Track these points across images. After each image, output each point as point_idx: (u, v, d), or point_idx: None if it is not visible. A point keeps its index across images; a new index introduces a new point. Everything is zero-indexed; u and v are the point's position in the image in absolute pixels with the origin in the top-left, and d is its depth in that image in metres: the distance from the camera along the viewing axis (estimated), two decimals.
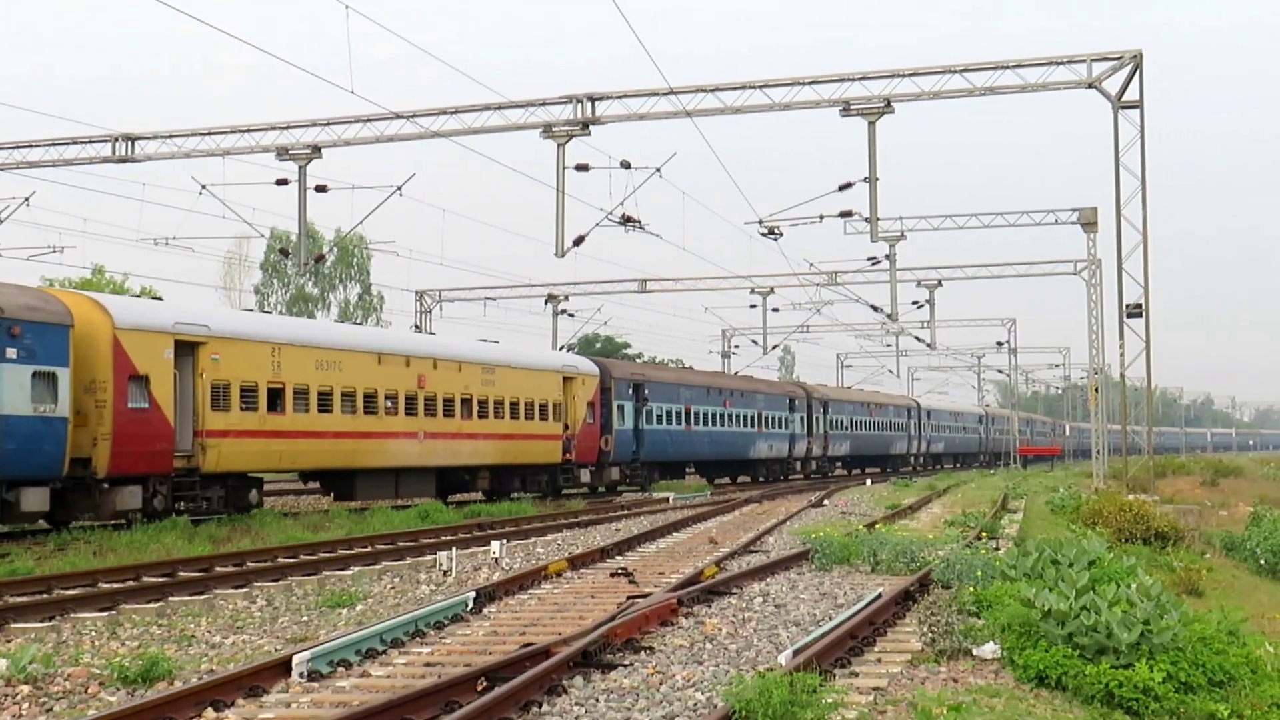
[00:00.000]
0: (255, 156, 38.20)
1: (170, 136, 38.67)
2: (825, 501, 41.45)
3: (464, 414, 37.96)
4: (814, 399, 69.56)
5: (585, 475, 45.34)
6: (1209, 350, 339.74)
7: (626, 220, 37.67)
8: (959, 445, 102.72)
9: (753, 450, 60.63)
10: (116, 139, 38.85)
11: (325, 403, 32.21)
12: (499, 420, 39.73)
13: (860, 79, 33.87)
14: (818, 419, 69.53)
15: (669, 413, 51.64)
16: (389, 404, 34.61)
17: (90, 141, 39.26)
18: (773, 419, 62.86)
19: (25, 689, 11.32)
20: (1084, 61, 33.43)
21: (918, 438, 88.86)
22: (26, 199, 39.11)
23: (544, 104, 35.46)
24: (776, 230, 41.05)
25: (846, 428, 74.42)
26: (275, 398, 30.69)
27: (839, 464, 77.98)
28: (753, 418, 60.36)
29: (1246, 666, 12.52)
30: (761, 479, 61.96)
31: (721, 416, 56.76)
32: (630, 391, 48.55)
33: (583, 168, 35.73)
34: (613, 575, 19.87)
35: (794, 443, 65.82)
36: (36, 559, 21.77)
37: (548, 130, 35.15)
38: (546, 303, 66.10)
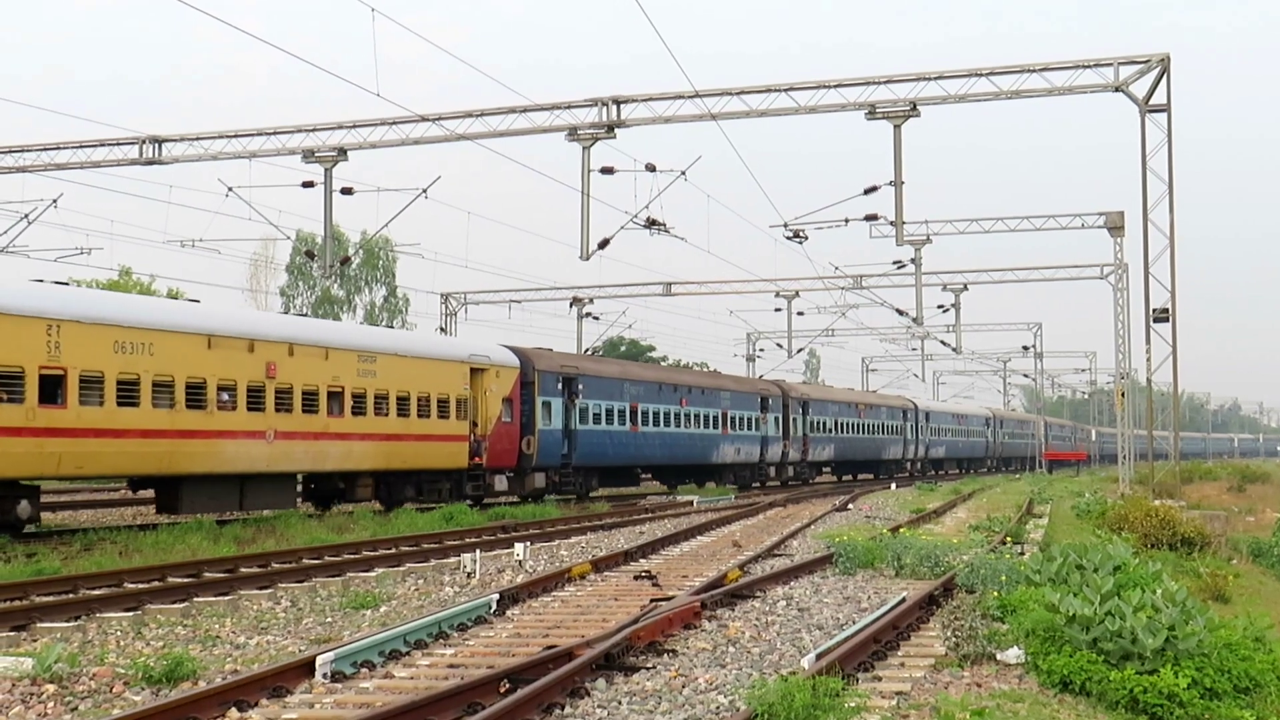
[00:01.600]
0: (281, 159, 38.34)
1: (197, 139, 38.84)
2: (850, 505, 41.38)
3: (333, 410, 32.20)
4: (791, 398, 62.98)
5: (501, 482, 39.43)
6: (1236, 355, 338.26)
7: (651, 223, 37.68)
8: (963, 450, 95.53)
9: (716, 454, 54.56)
10: (144, 141, 39.01)
11: (129, 394, 26.57)
12: (382, 418, 33.83)
13: (886, 82, 33.80)
14: (795, 420, 63.05)
15: (610, 411, 45.79)
16: (224, 397, 29.02)
17: (117, 144, 39.42)
18: (741, 419, 56.83)
19: (51, 688, 11.38)
20: (1111, 65, 33.30)
21: (914, 441, 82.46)
22: (54, 201, 39.33)
23: (569, 107, 35.48)
24: (801, 234, 41.04)
25: (830, 430, 67.84)
26: (52, 387, 25.11)
27: (825, 469, 72.63)
28: (716, 418, 54.38)
29: (1272, 673, 12.45)
30: (729, 486, 55.80)
31: (677, 416, 50.74)
32: (559, 386, 42.62)
33: (608, 170, 35.78)
34: (636, 578, 19.89)
35: (767, 446, 59.66)
36: (63, 559, 21.90)
37: (573, 133, 35.17)
38: (571, 305, 66.14)
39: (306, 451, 31.48)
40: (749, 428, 57.73)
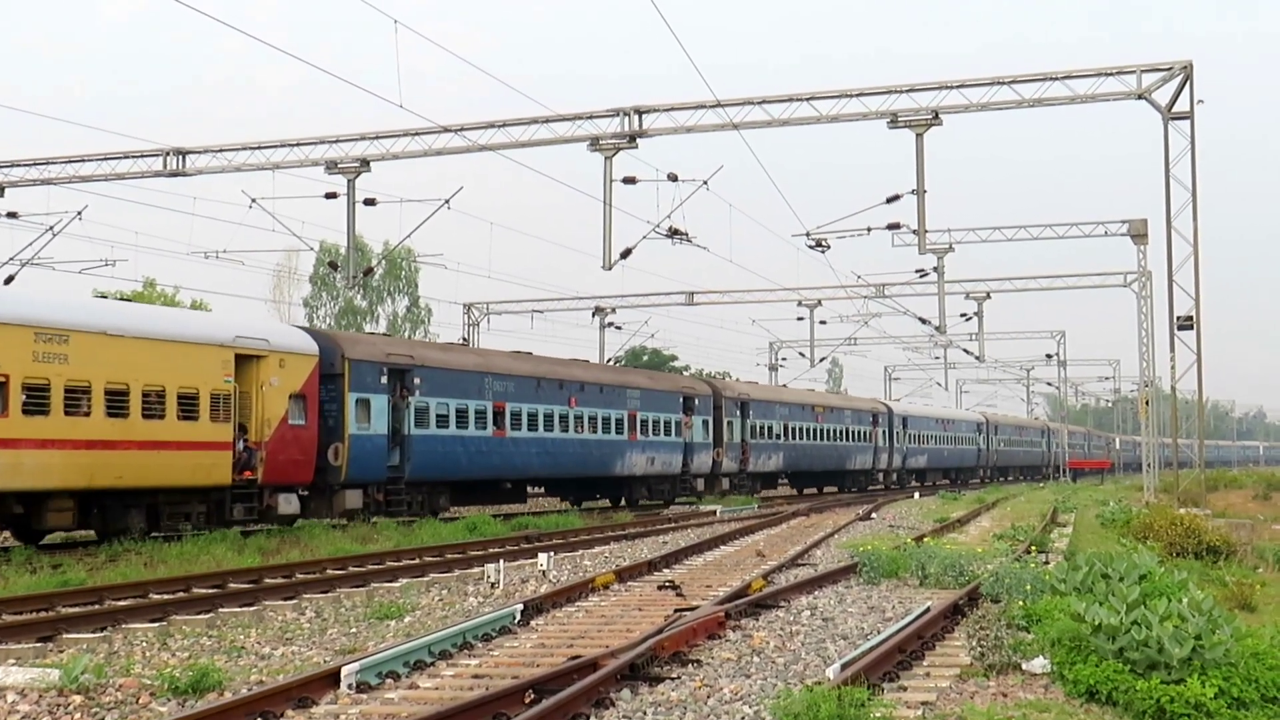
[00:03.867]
0: (304, 170, 38.62)
1: (220, 151, 39.04)
2: (873, 515, 41.38)
3: None
4: (726, 398, 54.29)
5: (289, 502, 30.64)
6: (1262, 362, 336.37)
7: (674, 233, 37.75)
8: (949, 459, 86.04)
9: (620, 464, 45.86)
10: (167, 153, 39.26)
11: None
12: (79, 418, 25.33)
13: (908, 91, 33.80)
14: (732, 424, 54.26)
15: (463, 411, 36.91)
16: None
17: (141, 156, 39.68)
18: (656, 423, 48.09)
19: (78, 699, 11.43)
20: (1133, 72, 33.24)
21: (888, 449, 73.33)
22: (79, 213, 39.51)
23: (591, 117, 35.55)
24: (824, 242, 41.06)
25: (777, 436, 58.94)
26: None
27: (782, 480, 65.60)
28: (620, 421, 45.67)
29: None
30: (643, 501, 48.14)
31: (563, 418, 42.07)
32: (384, 380, 33.83)
33: (630, 180, 35.84)
34: (660, 588, 19.89)
35: (692, 454, 50.82)
36: (88, 570, 22.01)
37: (595, 143, 35.24)
38: (594, 315, 66.29)
39: None
40: (667, 433, 49.18)
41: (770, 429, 58.21)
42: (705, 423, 52.11)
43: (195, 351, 28.20)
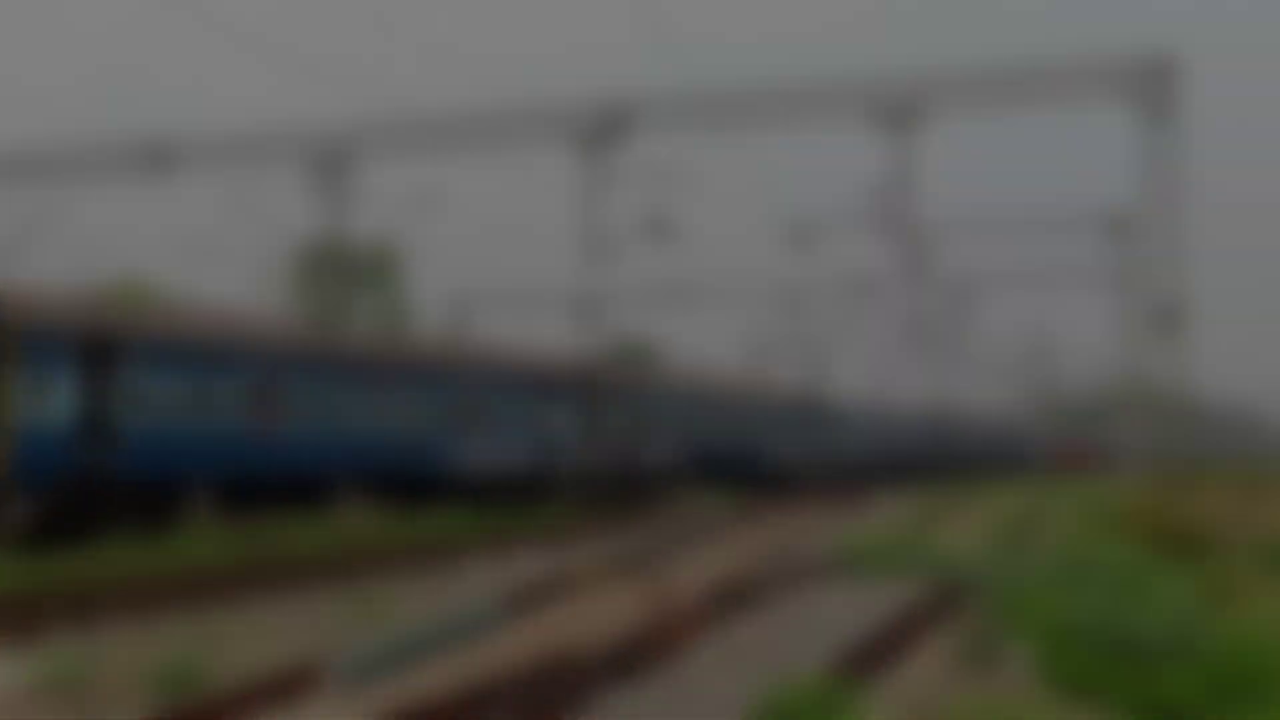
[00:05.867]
0: (285, 163, 38.38)
1: (201, 143, 38.86)
2: (859, 510, 41.49)
3: None
4: (601, 383, 45.09)
5: None
6: (1246, 358, 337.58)
7: (656, 227, 37.73)
8: (881, 452, 73.35)
9: (453, 461, 36.47)
10: (147, 145, 39.04)
11: None
12: None
13: (888, 83, 33.80)
14: (606, 413, 44.60)
15: (208, 395, 27.93)
16: None
17: (123, 149, 39.46)
18: (504, 413, 38.98)
19: (58, 696, 11.37)
20: (1119, 66, 33.29)
21: (813, 441, 63.22)
22: (60, 206, 39.35)
23: (574, 110, 35.50)
24: (807, 236, 41.08)
25: (671, 425, 49.28)
26: None
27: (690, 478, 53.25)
28: (452, 410, 36.53)
29: None
30: (489, 504, 36.48)
31: (367, 406, 33.02)
32: (75, 353, 24.86)
33: (612, 174, 35.79)
34: (644, 582, 19.88)
35: (552, 449, 41.65)
36: (69, 566, 21.89)
37: (577, 136, 35.19)
38: (578, 310, 66.16)
39: None
40: (519, 423, 39.90)
41: (663, 417, 48.83)
42: (567, 411, 43.10)
43: None
